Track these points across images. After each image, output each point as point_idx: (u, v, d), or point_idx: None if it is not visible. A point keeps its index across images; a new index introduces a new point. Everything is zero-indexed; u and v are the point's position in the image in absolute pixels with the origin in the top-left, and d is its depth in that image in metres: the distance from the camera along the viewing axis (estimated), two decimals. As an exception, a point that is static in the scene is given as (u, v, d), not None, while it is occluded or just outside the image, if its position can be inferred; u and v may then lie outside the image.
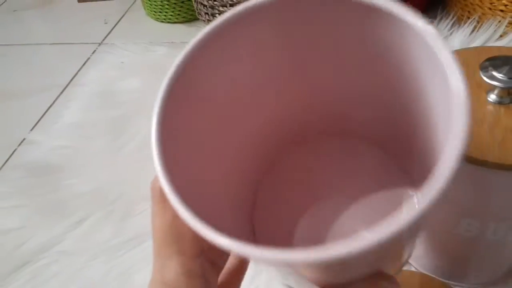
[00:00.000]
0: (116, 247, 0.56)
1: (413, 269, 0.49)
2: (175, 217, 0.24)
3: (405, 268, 0.49)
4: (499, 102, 0.35)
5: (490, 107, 0.35)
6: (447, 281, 0.46)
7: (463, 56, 0.40)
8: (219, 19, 0.20)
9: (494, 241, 0.40)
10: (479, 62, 0.35)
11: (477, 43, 0.72)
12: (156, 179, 0.26)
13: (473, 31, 0.74)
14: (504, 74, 0.33)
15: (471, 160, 0.32)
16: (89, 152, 0.71)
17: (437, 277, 0.46)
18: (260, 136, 0.27)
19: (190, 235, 0.25)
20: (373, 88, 0.24)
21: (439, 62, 0.16)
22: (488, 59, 0.35)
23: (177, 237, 0.24)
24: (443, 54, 0.16)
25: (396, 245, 0.18)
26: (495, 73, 0.34)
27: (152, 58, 0.91)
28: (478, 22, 0.76)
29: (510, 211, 0.36)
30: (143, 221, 0.58)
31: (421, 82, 0.20)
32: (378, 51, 0.21)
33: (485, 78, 0.34)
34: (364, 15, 0.19)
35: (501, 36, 0.73)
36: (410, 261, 0.50)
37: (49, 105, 0.86)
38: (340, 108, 0.26)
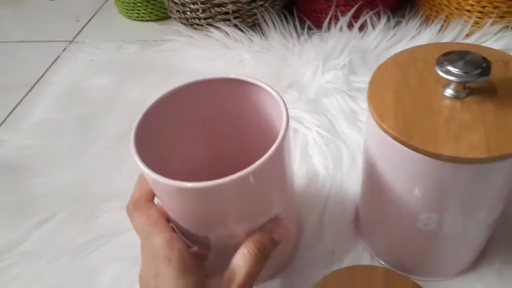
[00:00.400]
0: (81, 246, 0.55)
1: (377, 263, 0.50)
2: (147, 215, 0.36)
3: (368, 263, 0.50)
4: (456, 97, 0.36)
5: (446, 102, 0.36)
6: (409, 275, 0.47)
7: (422, 51, 0.41)
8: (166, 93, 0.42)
9: (453, 235, 0.41)
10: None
11: (444, 42, 0.74)
12: (128, 204, 0.38)
13: (440, 30, 0.76)
14: (459, 69, 0.34)
15: (426, 153, 0.33)
16: (56, 151, 0.69)
17: (400, 272, 0.47)
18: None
19: (163, 220, 0.36)
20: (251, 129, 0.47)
21: (277, 102, 0.39)
22: (444, 54, 0.35)
23: (153, 224, 0.35)
24: (278, 99, 0.39)
25: (249, 188, 0.35)
26: (450, 68, 0.34)
27: (123, 56, 0.90)
28: (445, 21, 0.77)
29: (466, 204, 0.37)
30: (109, 220, 0.57)
31: (268, 112, 0.43)
32: (249, 107, 0.44)
33: (441, 73, 0.34)
34: (241, 87, 0.43)
35: (467, 35, 0.74)
36: (375, 255, 0.50)
37: (16, 103, 0.84)
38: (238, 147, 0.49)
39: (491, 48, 0.40)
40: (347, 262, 0.50)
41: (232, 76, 0.42)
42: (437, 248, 0.43)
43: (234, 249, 0.37)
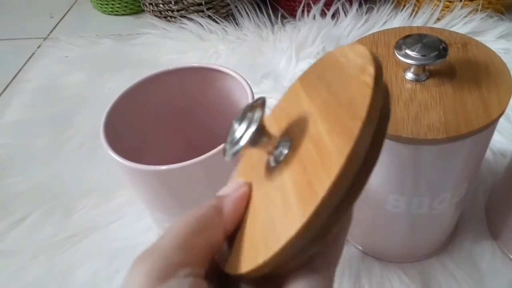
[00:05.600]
0: (59, 243, 0.55)
1: (352, 248, 0.50)
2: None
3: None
4: (416, 80, 0.36)
5: (407, 85, 0.36)
6: (384, 259, 0.48)
7: (384, 36, 0.41)
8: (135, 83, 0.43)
9: (422, 216, 0.41)
10: (397, 42, 0.36)
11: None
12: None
13: (411, 15, 0.76)
14: (417, 52, 0.34)
15: (387, 136, 0.33)
16: (31, 149, 0.69)
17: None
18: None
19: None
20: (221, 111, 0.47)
21: (243, 87, 0.41)
22: (402, 38, 0.36)
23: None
24: (244, 84, 0.41)
25: (215, 171, 0.36)
26: (409, 52, 0.35)
27: (98, 52, 0.89)
28: (416, 5, 0.78)
29: (430, 185, 0.37)
30: (85, 217, 0.57)
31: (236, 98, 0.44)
32: (218, 94, 0.46)
33: (400, 57, 0.35)
34: (207, 74, 0.44)
35: (438, 19, 0.75)
36: (350, 239, 0.51)
37: (-9, 103, 0.83)
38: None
39: (451, 31, 0.41)
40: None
41: (196, 64, 0.43)
42: (409, 230, 0.44)
43: None
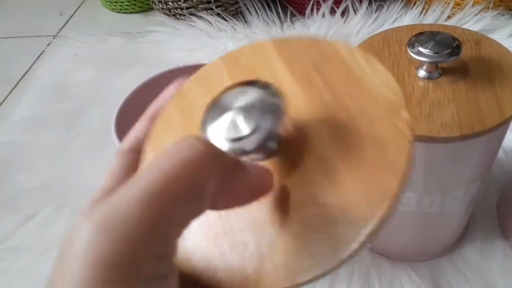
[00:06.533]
0: (68, 240, 0.55)
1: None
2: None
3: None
4: (429, 77, 0.36)
5: (420, 82, 0.36)
6: (395, 258, 0.48)
7: (395, 34, 0.41)
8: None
9: (433, 214, 0.41)
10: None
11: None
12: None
13: (421, 12, 0.76)
14: (429, 49, 0.34)
15: (399, 134, 0.33)
16: (40, 147, 0.69)
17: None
18: None
19: None
20: None
21: None
22: (415, 36, 0.35)
23: None
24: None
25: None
26: (421, 49, 0.34)
27: (107, 49, 0.89)
28: (426, 3, 0.77)
29: (442, 183, 0.37)
30: (94, 213, 0.58)
31: None
32: None
33: (412, 54, 0.35)
34: None
35: (449, 17, 0.75)
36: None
37: (1, 100, 0.83)
38: None
39: (463, 28, 0.40)
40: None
41: (205, 62, 0.43)
42: (419, 228, 0.44)
43: None
